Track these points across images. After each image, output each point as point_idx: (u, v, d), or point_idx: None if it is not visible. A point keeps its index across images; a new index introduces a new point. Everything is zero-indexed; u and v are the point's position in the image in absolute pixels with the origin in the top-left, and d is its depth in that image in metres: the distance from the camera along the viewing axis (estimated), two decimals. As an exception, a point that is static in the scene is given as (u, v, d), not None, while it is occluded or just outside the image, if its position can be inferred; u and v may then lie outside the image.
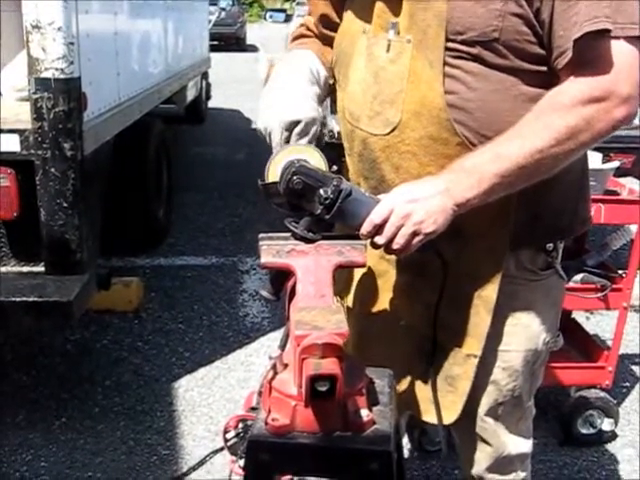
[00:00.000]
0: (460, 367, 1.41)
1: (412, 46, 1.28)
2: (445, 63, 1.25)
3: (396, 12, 1.30)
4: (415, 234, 1.20)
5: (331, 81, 1.50)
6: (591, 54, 1.18)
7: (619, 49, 1.18)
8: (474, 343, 1.38)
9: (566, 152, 1.21)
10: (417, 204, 1.19)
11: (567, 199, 1.41)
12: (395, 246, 1.21)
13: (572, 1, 1.17)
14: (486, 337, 1.39)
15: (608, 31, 1.16)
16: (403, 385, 1.49)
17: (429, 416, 1.47)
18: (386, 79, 1.31)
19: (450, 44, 1.24)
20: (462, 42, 1.23)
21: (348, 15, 1.43)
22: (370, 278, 1.48)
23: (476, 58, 1.24)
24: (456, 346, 1.40)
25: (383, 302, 1.49)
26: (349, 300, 1.58)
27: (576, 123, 1.19)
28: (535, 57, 1.24)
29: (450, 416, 1.45)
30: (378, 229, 1.21)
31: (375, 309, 1.50)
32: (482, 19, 1.21)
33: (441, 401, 1.45)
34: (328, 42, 1.53)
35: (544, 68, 1.25)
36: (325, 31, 1.53)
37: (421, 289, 1.41)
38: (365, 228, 1.21)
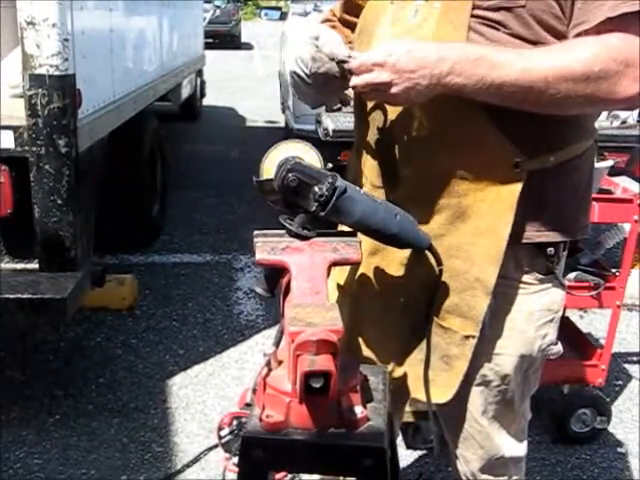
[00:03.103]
0: (458, 347, 1.40)
1: (439, 11, 1.29)
2: (470, 28, 1.26)
3: None
4: (391, 96, 1.23)
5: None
6: (619, 30, 1.19)
7: None
8: (471, 325, 1.37)
9: (574, 90, 1.19)
10: (409, 77, 1.19)
11: (573, 201, 1.40)
12: (359, 89, 1.26)
13: None
14: (481, 339, 1.38)
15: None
16: (397, 364, 1.48)
17: (420, 394, 1.46)
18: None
19: (476, 11, 1.25)
20: (487, 8, 1.24)
21: None
22: (367, 256, 1.46)
23: (500, 25, 1.24)
24: (453, 326, 1.39)
25: (380, 280, 1.48)
26: (344, 280, 1.57)
27: (601, 69, 1.18)
28: (559, 34, 1.24)
29: (443, 395, 1.43)
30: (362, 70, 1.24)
31: (372, 287, 1.49)
32: None
33: (435, 380, 1.43)
34: (349, 27, 1.55)
35: None
36: (346, 15, 1.56)
37: (419, 266, 1.39)
38: (356, 65, 1.24)
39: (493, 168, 1.30)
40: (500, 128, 1.28)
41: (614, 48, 1.18)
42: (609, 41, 1.19)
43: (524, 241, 1.37)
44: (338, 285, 1.59)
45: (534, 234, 1.37)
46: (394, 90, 1.21)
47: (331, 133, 3.77)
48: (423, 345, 1.44)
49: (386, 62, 1.20)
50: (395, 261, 1.44)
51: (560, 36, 1.24)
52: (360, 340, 1.55)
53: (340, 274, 1.58)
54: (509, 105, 1.23)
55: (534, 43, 1.24)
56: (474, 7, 1.25)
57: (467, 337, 1.38)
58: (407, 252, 1.41)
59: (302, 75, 1.37)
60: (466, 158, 1.32)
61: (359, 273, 1.52)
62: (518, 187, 1.30)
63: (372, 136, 1.44)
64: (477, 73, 1.19)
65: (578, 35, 1.22)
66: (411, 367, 1.47)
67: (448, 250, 1.35)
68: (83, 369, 3.23)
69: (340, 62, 1.28)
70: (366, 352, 1.55)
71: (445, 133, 1.32)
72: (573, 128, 1.34)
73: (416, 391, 1.48)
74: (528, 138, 1.29)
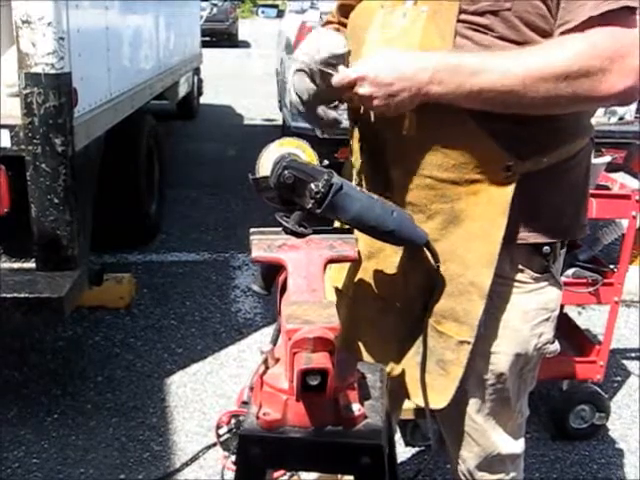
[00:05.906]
0: (453, 353, 1.39)
1: (426, 16, 1.29)
2: (456, 33, 1.25)
3: None
4: (375, 108, 1.26)
5: None
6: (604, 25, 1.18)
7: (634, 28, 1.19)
8: (467, 330, 1.36)
9: (557, 91, 1.19)
10: (388, 90, 1.22)
11: (570, 201, 1.40)
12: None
13: None
14: (476, 337, 1.37)
15: (631, 10, 1.18)
16: (395, 367, 1.48)
17: (418, 399, 1.46)
18: (398, 48, 1.31)
19: (462, 15, 1.25)
20: (474, 12, 1.24)
21: None
22: (364, 260, 1.47)
23: (487, 29, 1.24)
24: (449, 331, 1.39)
25: (377, 283, 1.48)
26: (341, 283, 1.57)
27: (581, 66, 1.17)
28: (546, 34, 1.23)
29: (441, 400, 1.43)
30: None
31: (369, 290, 1.49)
32: None
33: (433, 384, 1.43)
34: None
35: None
36: (342, 19, 1.56)
37: (415, 269, 1.39)
38: (338, 79, 1.27)
39: (484, 172, 1.30)
40: (489, 132, 1.28)
41: (597, 45, 1.18)
42: (592, 38, 1.18)
43: (519, 242, 1.36)
44: (335, 289, 1.59)
45: (529, 235, 1.36)
46: (376, 102, 1.24)
47: (328, 130, 3.77)
48: (420, 349, 1.44)
49: (366, 76, 1.23)
50: (391, 264, 1.44)
51: (547, 36, 1.24)
52: (358, 343, 1.55)
53: (337, 277, 1.58)
54: (492, 109, 1.24)
55: (521, 44, 1.23)
56: (461, 11, 1.25)
57: (462, 342, 1.38)
58: (403, 255, 1.41)
59: (299, 107, 1.39)
60: (456, 162, 1.31)
61: (356, 277, 1.52)
62: (510, 190, 1.29)
63: (362, 140, 1.44)
64: (456, 81, 1.20)
65: (563, 34, 1.22)
66: (408, 369, 1.47)
67: (442, 255, 1.34)
68: (81, 368, 3.22)
69: (324, 73, 1.29)
70: (364, 355, 1.54)
71: (434, 137, 1.31)
72: (566, 127, 1.33)
73: (414, 395, 1.48)
74: (519, 141, 1.29)
